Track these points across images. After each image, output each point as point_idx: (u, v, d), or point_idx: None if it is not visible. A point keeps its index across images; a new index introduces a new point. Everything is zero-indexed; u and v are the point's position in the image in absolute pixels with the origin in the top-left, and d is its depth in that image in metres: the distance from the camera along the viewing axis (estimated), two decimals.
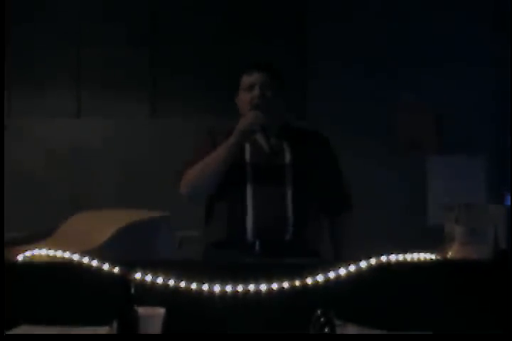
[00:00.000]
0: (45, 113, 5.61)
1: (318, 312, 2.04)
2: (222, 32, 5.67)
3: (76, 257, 2.15)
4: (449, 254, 2.26)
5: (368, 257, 2.13)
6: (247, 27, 5.65)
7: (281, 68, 3.02)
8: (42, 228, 4.26)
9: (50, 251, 2.22)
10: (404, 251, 2.18)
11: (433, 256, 2.22)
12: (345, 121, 5.48)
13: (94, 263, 2.12)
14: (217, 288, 2.07)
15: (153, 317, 1.97)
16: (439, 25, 5.62)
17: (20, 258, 2.29)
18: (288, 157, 2.86)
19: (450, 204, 2.19)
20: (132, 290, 1.90)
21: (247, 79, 2.87)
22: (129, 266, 2.10)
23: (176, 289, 2.07)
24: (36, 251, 2.26)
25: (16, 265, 2.26)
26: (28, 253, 2.28)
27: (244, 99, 2.87)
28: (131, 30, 5.65)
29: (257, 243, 2.76)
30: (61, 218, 3.84)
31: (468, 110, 5.57)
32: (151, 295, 2.05)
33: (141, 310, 1.97)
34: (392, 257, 2.14)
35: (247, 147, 2.86)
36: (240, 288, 2.07)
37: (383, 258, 2.12)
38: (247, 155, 2.86)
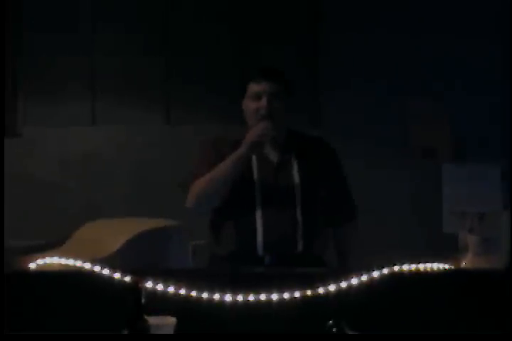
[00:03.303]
0: (59, 122, 5.62)
1: (330, 322, 2.03)
2: (234, 41, 5.67)
3: (87, 265, 2.15)
4: (463, 264, 2.24)
5: (379, 267, 2.12)
6: (259, 36, 5.65)
7: (292, 76, 2.96)
8: (56, 236, 4.27)
9: (61, 259, 2.22)
10: (419, 261, 2.16)
11: (446, 266, 2.20)
12: (359, 128, 5.46)
13: (106, 271, 2.11)
14: (228, 298, 2.06)
15: (164, 326, 1.97)
16: (452, 33, 5.59)
17: (32, 266, 2.29)
18: (296, 169, 2.82)
19: (463, 213, 2.17)
20: (142, 299, 1.90)
21: (254, 88, 2.81)
22: (140, 275, 2.10)
23: (187, 298, 2.06)
24: (48, 259, 2.26)
25: (28, 273, 2.26)
26: (40, 262, 2.28)
27: (250, 107, 2.82)
28: (144, 39, 5.66)
29: (267, 256, 2.74)
30: (75, 226, 3.85)
31: (483, 116, 5.54)
32: (162, 304, 2.04)
33: (152, 319, 1.97)
34: (405, 267, 2.12)
35: (254, 159, 2.82)
36: (251, 298, 2.05)
37: (395, 268, 2.10)
38: (255, 168, 2.81)
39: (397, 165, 5.48)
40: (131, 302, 1.90)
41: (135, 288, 1.88)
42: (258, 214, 2.75)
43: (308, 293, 2.06)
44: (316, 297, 2.06)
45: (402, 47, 5.62)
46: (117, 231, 2.42)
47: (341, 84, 5.59)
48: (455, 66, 5.61)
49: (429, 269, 2.15)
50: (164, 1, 5.71)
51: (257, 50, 5.62)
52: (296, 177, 2.81)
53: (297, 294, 2.06)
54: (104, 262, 2.31)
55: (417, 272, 2.12)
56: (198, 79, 5.62)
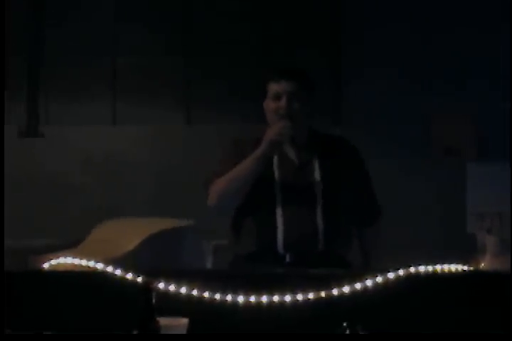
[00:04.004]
0: (80, 121, 5.65)
1: (344, 324, 1.99)
2: (255, 41, 5.66)
3: (100, 266, 2.14)
4: (482, 265, 2.19)
5: (397, 268, 2.08)
6: (280, 35, 5.62)
7: (313, 75, 2.93)
8: (76, 236, 4.29)
9: (75, 259, 2.21)
10: (436, 262, 2.12)
11: (464, 267, 2.15)
12: (380, 127, 5.41)
13: (118, 272, 2.10)
14: (240, 299, 2.03)
15: (175, 327, 1.94)
16: (479, 32, 5.53)
17: (46, 266, 2.29)
18: (317, 168, 2.79)
19: (482, 213, 2.13)
20: (153, 301, 1.87)
21: (274, 87, 2.76)
22: (153, 276, 2.08)
23: (200, 299, 2.04)
24: (61, 259, 2.26)
25: (42, 273, 2.25)
26: (53, 262, 2.28)
27: (270, 107, 2.77)
28: (166, 39, 5.68)
29: (288, 255, 2.71)
30: (95, 226, 3.85)
31: (506, 116, 5.46)
32: (174, 305, 2.02)
33: (164, 321, 1.95)
34: (422, 268, 2.08)
35: (275, 158, 2.79)
36: (264, 299, 2.03)
37: (412, 270, 2.06)
38: (276, 167, 2.78)
39: (420, 165, 5.43)
40: (143, 303, 1.88)
41: (146, 289, 1.86)
42: (279, 212, 2.72)
43: (323, 294, 2.02)
44: (331, 298, 2.02)
45: (426, 47, 5.57)
46: (132, 232, 2.41)
47: (363, 84, 5.56)
48: (480, 65, 5.54)
49: (446, 271, 2.10)
50: (186, 2, 5.71)
51: (278, 50, 5.60)
52: (318, 176, 2.77)
53: (311, 295, 2.03)
54: (118, 262, 2.30)
55: (434, 273, 2.08)
56: (218, 79, 5.62)
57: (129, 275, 2.09)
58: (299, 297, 2.03)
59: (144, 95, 5.63)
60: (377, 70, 5.55)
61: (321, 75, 5.21)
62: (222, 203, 2.78)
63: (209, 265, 4.74)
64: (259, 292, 2.03)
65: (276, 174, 2.77)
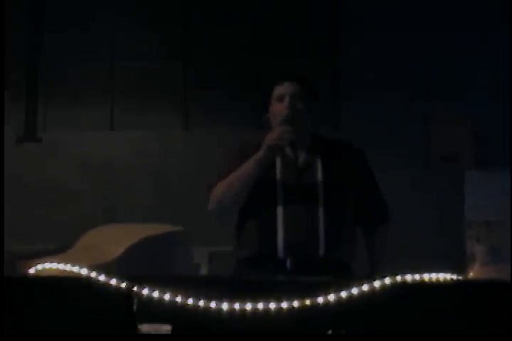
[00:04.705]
0: (78, 126, 5.65)
1: (329, 332, 1.97)
2: (254, 46, 5.65)
3: (84, 271, 2.12)
4: (471, 274, 2.16)
5: (383, 276, 2.05)
6: (279, 41, 5.61)
7: (314, 80, 2.98)
8: (73, 241, 4.27)
9: (59, 264, 2.20)
10: (423, 271, 2.09)
11: (453, 276, 2.12)
12: (379, 133, 5.38)
13: (102, 278, 2.08)
14: (225, 306, 2.01)
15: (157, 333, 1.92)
16: (473, 36, 5.51)
17: (31, 271, 2.27)
18: (320, 172, 2.79)
19: (471, 221, 2.10)
20: (135, 307, 1.86)
21: (278, 90, 2.82)
22: (138, 282, 2.06)
23: (183, 306, 2.02)
24: (47, 265, 2.24)
25: (26, 278, 2.24)
26: (39, 267, 2.26)
27: (275, 110, 2.82)
28: (164, 43, 5.67)
29: (289, 260, 2.71)
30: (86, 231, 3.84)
31: (504, 123, 5.44)
32: (157, 311, 2.00)
33: (146, 327, 1.93)
34: (409, 277, 2.05)
35: (278, 162, 2.81)
36: (248, 306, 2.00)
37: (398, 278, 2.04)
38: (278, 171, 2.80)
39: (418, 171, 5.40)
40: (124, 309, 1.86)
41: (128, 295, 1.84)
42: (280, 216, 2.73)
43: (307, 302, 2.00)
44: (316, 306, 2.00)
45: (424, 53, 5.55)
46: (120, 237, 2.40)
47: (362, 90, 5.54)
48: (478, 71, 5.52)
49: (433, 279, 2.07)
50: (184, 8, 5.71)
51: (277, 56, 5.58)
52: (320, 179, 2.77)
53: (296, 303, 2.00)
54: (106, 268, 2.28)
55: (421, 282, 2.05)
56: (217, 85, 5.61)
57: (113, 282, 2.07)
58: (284, 304, 2.01)
59: (142, 100, 5.62)
60: (375, 77, 5.54)
61: (320, 81, 5.19)
62: (222, 207, 2.80)
63: (204, 272, 4.73)
64: (243, 299, 2.00)
65: (278, 177, 2.78)
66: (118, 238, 2.34)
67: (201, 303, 2.01)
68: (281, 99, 2.80)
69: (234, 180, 2.76)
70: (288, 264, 2.69)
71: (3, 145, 5.06)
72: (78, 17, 5.68)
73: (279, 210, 2.73)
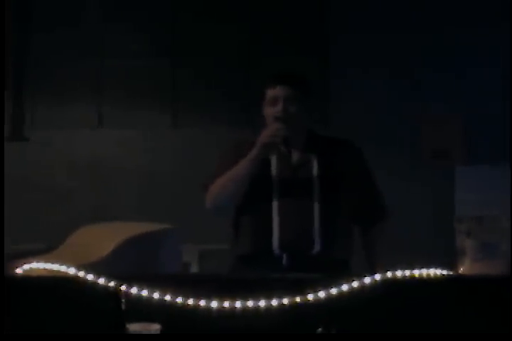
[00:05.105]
0: (66, 124, 5.61)
1: (320, 330, 1.96)
2: (243, 43, 5.62)
3: (72, 271, 2.09)
4: (461, 270, 2.15)
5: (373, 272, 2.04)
6: (268, 38, 5.59)
7: (307, 78, 2.97)
8: (60, 240, 4.24)
9: (47, 264, 2.17)
10: (425, 265, 2.08)
11: (444, 272, 2.11)
12: (369, 130, 5.36)
13: (90, 277, 2.06)
14: (214, 304, 1.99)
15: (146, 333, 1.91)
16: (465, 33, 5.51)
17: (18, 271, 2.25)
18: (315, 169, 2.80)
19: (461, 217, 2.09)
20: (123, 306, 1.84)
21: (270, 93, 2.81)
22: (127, 281, 2.04)
23: (173, 305, 2.00)
24: (34, 265, 2.21)
25: (13, 278, 2.21)
26: (26, 267, 2.24)
27: (268, 112, 2.82)
28: (152, 41, 5.63)
29: (284, 256, 2.71)
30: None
31: (495, 119, 5.43)
32: (146, 310, 1.98)
33: (135, 326, 1.91)
34: (399, 273, 2.04)
35: (273, 159, 2.82)
36: (238, 305, 1.98)
37: (389, 274, 2.02)
38: (273, 168, 2.81)
39: (409, 167, 5.39)
40: (112, 309, 1.84)
41: (116, 295, 1.82)
42: (275, 212, 2.74)
43: (298, 299, 1.98)
44: (306, 303, 1.98)
45: (415, 49, 5.55)
46: (109, 236, 2.37)
47: (352, 86, 5.53)
48: (469, 67, 5.51)
49: (424, 275, 2.06)
50: (173, 5, 5.68)
51: (267, 54, 5.56)
52: (316, 176, 2.78)
53: (286, 301, 1.99)
54: (94, 267, 2.26)
55: (411, 278, 2.04)
56: (206, 82, 5.58)
57: (101, 281, 2.05)
58: (274, 302, 1.99)
59: (131, 99, 5.59)
60: (366, 73, 5.52)
61: (310, 78, 5.17)
62: (218, 205, 2.81)
63: (194, 270, 4.71)
64: (233, 297, 1.99)
65: (274, 174, 2.79)
66: (106, 237, 2.32)
67: (190, 302, 1.99)
68: (274, 102, 2.79)
69: (229, 178, 2.76)
70: (284, 261, 2.70)
71: (3, 146, 5.05)
72: (67, 15, 5.63)
73: (275, 207, 2.74)
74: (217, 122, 5.51)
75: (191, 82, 5.61)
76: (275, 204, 2.74)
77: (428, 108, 5.53)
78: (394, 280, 2.02)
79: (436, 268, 2.09)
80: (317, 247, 2.72)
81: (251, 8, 5.62)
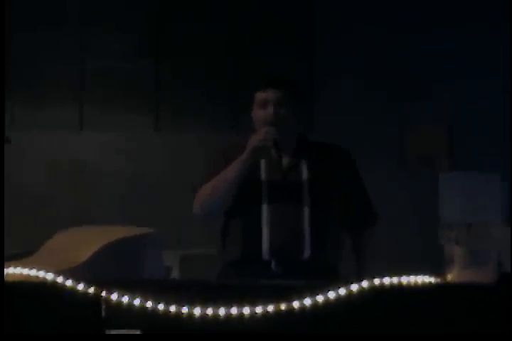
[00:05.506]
0: (46, 126, 5.53)
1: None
2: (228, 46, 5.58)
3: (50, 276, 2.03)
4: (449, 278, 2.11)
5: (361, 279, 2.00)
6: (253, 40, 5.55)
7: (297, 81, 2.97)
8: (33, 245, 4.16)
9: (24, 269, 2.11)
10: (411, 273, 2.04)
11: (432, 280, 2.07)
12: (354, 134, 5.32)
13: (69, 282, 2.00)
14: (197, 311, 1.93)
15: None
16: (449, 37, 5.51)
17: None
18: (305, 173, 2.78)
19: (450, 223, 2.05)
20: (103, 313, 1.78)
21: (260, 96, 2.79)
22: (107, 286, 1.98)
23: (154, 311, 1.94)
24: (11, 270, 2.15)
25: None
26: None
27: (258, 115, 2.80)
28: (135, 42, 5.57)
29: (273, 262, 2.69)
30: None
31: (480, 125, 5.43)
32: (127, 317, 1.93)
33: (115, 333, 1.86)
34: (386, 280, 2.00)
35: (263, 163, 2.80)
36: (221, 312, 1.93)
37: (376, 281, 1.98)
38: (263, 172, 2.79)
39: (394, 173, 5.37)
40: (92, 315, 1.79)
41: (95, 301, 1.76)
42: (264, 217, 2.72)
43: (283, 307, 1.93)
44: (291, 311, 1.93)
45: (400, 53, 5.54)
46: (88, 240, 2.32)
47: (336, 92, 5.51)
48: (454, 74, 5.51)
49: (412, 282, 2.02)
50: (156, 6, 5.62)
51: (252, 56, 5.52)
52: (306, 181, 2.76)
53: (271, 308, 1.94)
54: (73, 272, 2.20)
55: (399, 285, 2.00)
56: (189, 85, 5.53)
57: (80, 286, 1.99)
58: (258, 309, 1.94)
59: (113, 100, 5.52)
60: (350, 79, 5.50)
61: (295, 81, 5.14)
62: (207, 210, 2.78)
63: (176, 275, 4.65)
64: (215, 304, 1.93)
65: (263, 179, 2.77)
66: (86, 241, 2.27)
67: (172, 309, 1.94)
68: (263, 105, 2.77)
69: (218, 182, 2.74)
70: (273, 266, 2.68)
71: (3, 145, 4.98)
72: (47, 15, 5.56)
73: (264, 212, 2.72)
74: (200, 124, 5.46)
75: (175, 84, 5.56)
76: (265, 209, 2.72)
77: (413, 114, 5.52)
78: (381, 288, 1.98)
79: (424, 275, 2.05)
80: (307, 252, 2.70)
81: (235, 10, 5.58)
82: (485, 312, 1.97)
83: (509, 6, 5.01)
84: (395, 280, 2.00)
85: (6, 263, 2.31)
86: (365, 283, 1.97)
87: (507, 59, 5.35)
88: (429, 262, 2.82)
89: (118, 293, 1.95)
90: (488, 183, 5.23)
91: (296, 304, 1.93)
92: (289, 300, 1.94)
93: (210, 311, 1.93)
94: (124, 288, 1.97)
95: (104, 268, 2.26)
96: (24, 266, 2.10)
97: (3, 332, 1.90)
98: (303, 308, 1.94)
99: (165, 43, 5.61)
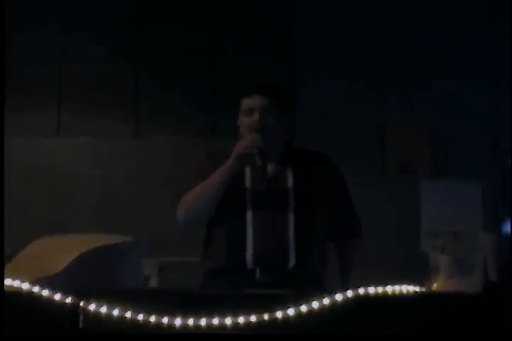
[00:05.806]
0: (22, 132, 5.44)
1: None
2: (207, 50, 5.54)
3: (26, 286, 1.97)
4: (434, 287, 2.09)
5: (345, 289, 1.96)
6: (233, 44, 5.52)
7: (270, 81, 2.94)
8: (9, 253, 4.08)
9: None
10: (395, 282, 2.01)
11: (417, 289, 2.05)
12: (334, 142, 5.29)
13: (45, 292, 1.94)
14: (178, 321, 1.89)
15: None
16: (429, 42, 5.51)
17: None
18: (290, 181, 2.77)
19: (436, 231, 2.02)
20: (81, 324, 1.73)
21: (246, 102, 2.78)
22: (85, 296, 1.92)
23: (133, 321, 1.89)
24: None
25: None
26: None
27: (244, 122, 2.79)
28: (113, 47, 5.50)
29: (258, 270, 2.66)
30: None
31: (461, 131, 5.43)
32: (106, 328, 1.88)
33: None
34: (371, 289, 1.97)
35: (248, 171, 2.78)
36: (202, 322, 1.89)
37: (361, 291, 1.95)
38: (248, 180, 2.77)
39: (374, 181, 5.35)
40: (69, 327, 1.73)
41: (73, 311, 1.71)
42: (249, 225, 2.70)
43: (265, 317, 1.89)
44: (274, 321, 1.90)
45: (381, 57, 5.53)
46: (66, 249, 2.27)
47: (316, 96, 5.48)
48: (437, 77, 5.50)
49: (397, 292, 1.99)
50: (135, 11, 5.57)
51: (233, 58, 5.48)
52: (291, 189, 2.75)
53: (253, 318, 1.90)
54: (50, 281, 2.14)
55: (384, 295, 1.97)
56: (169, 91, 5.48)
57: (57, 296, 1.93)
58: (241, 319, 1.90)
59: (90, 106, 5.44)
60: (330, 81, 5.47)
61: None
62: (190, 216, 2.76)
63: (154, 283, 4.58)
64: (197, 314, 1.89)
65: (248, 186, 2.75)
66: (63, 249, 2.21)
67: (152, 319, 1.89)
68: (249, 112, 2.76)
69: (203, 189, 2.72)
70: (257, 275, 2.66)
71: (3, 145, 4.92)
72: (23, 19, 5.48)
73: (248, 220, 2.70)
74: (179, 132, 5.40)
75: (154, 90, 5.50)
76: (249, 217, 2.69)
77: (394, 120, 5.51)
78: (366, 297, 1.95)
79: (409, 284, 2.03)
80: (292, 261, 2.68)
81: (215, 15, 5.54)
82: (471, 321, 1.95)
83: (509, 6, 5.02)
84: (379, 289, 1.98)
85: None
86: (349, 293, 1.93)
87: (495, 60, 5.37)
88: (413, 271, 2.79)
89: (96, 303, 1.90)
90: (473, 191, 5.23)
91: (279, 314, 1.90)
92: (272, 310, 1.91)
93: (191, 321, 1.89)
94: (103, 297, 1.93)
95: (81, 278, 2.20)
96: None
97: (3, 332, 1.88)
98: (286, 318, 1.90)
99: (144, 49, 5.55)
